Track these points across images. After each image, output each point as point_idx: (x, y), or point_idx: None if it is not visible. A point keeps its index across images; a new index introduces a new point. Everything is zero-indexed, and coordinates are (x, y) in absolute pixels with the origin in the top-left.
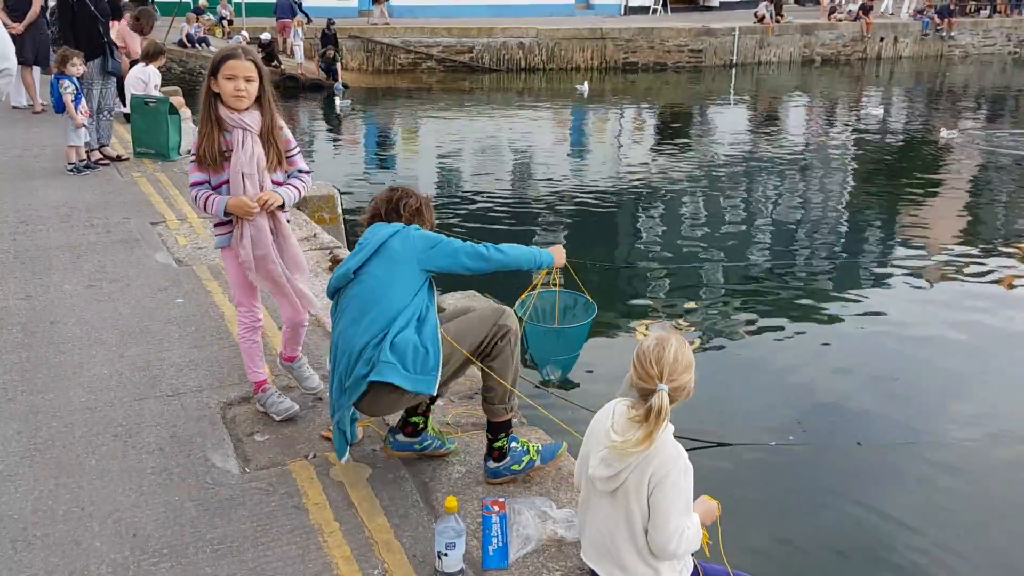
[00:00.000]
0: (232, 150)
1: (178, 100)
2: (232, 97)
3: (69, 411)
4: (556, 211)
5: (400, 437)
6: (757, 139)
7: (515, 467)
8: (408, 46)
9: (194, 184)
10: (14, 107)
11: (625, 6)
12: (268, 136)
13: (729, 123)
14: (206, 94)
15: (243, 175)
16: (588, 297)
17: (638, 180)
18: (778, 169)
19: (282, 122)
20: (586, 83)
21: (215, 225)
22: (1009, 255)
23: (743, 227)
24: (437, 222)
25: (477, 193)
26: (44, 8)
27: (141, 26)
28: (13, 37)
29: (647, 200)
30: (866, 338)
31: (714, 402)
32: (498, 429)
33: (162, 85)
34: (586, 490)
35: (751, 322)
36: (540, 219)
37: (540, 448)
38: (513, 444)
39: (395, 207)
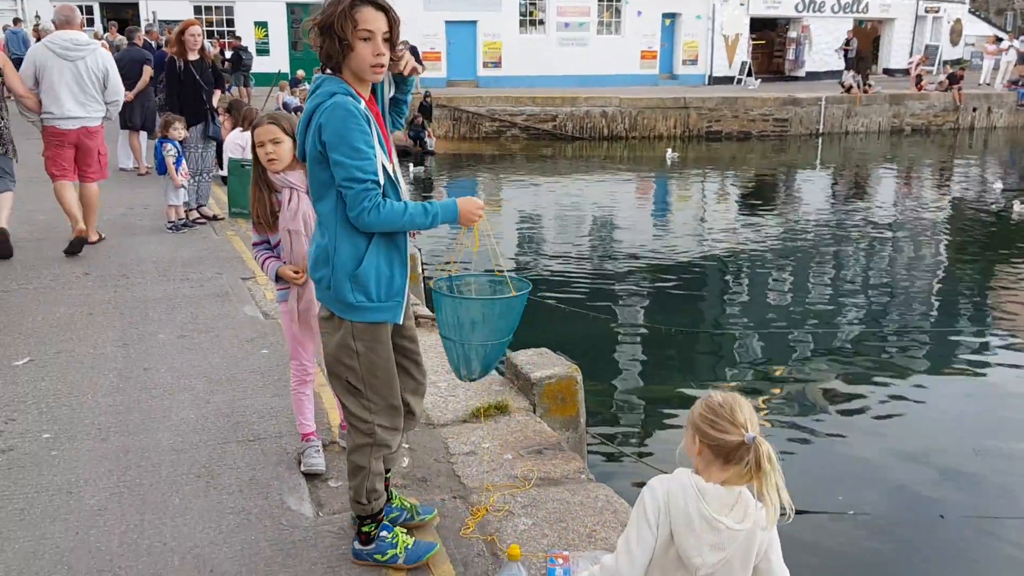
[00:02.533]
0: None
1: None
2: (266, 161)
3: (157, 452)
4: (638, 276)
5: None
6: (845, 207)
7: (377, 556)
8: (493, 114)
9: (254, 244)
10: (121, 169)
11: (709, 76)
12: None
13: (816, 192)
14: (255, 159)
15: (290, 232)
16: (507, 279)
17: (723, 247)
18: (867, 238)
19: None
20: (670, 150)
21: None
22: None
23: (829, 295)
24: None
25: (556, 257)
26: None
27: (235, 120)
28: (124, 104)
29: (731, 267)
30: (953, 409)
31: (795, 468)
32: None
33: None
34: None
35: (836, 390)
36: (621, 284)
37: (409, 546)
38: (383, 533)
39: None
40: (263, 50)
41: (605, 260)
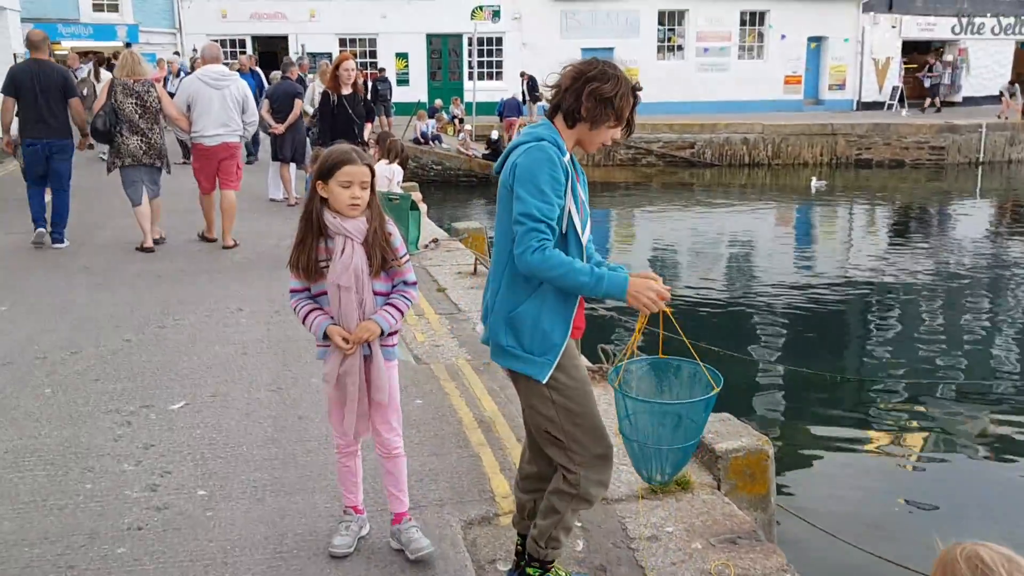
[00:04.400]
0: (330, 258)
1: (418, 196)
2: (348, 206)
3: (314, 516)
4: (776, 312)
5: None
6: (1004, 242)
7: None
8: (629, 141)
9: (293, 291)
10: (271, 200)
11: (858, 102)
12: (373, 244)
13: (974, 223)
14: (312, 198)
15: (339, 287)
16: (702, 367)
17: (871, 281)
18: None
19: (392, 228)
20: (815, 178)
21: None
22: None
23: (982, 337)
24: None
25: (691, 287)
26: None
27: (385, 153)
28: (275, 136)
29: (878, 304)
30: None
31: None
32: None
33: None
34: None
35: (994, 436)
36: (757, 320)
37: None
38: None
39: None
40: (403, 80)
41: (744, 294)
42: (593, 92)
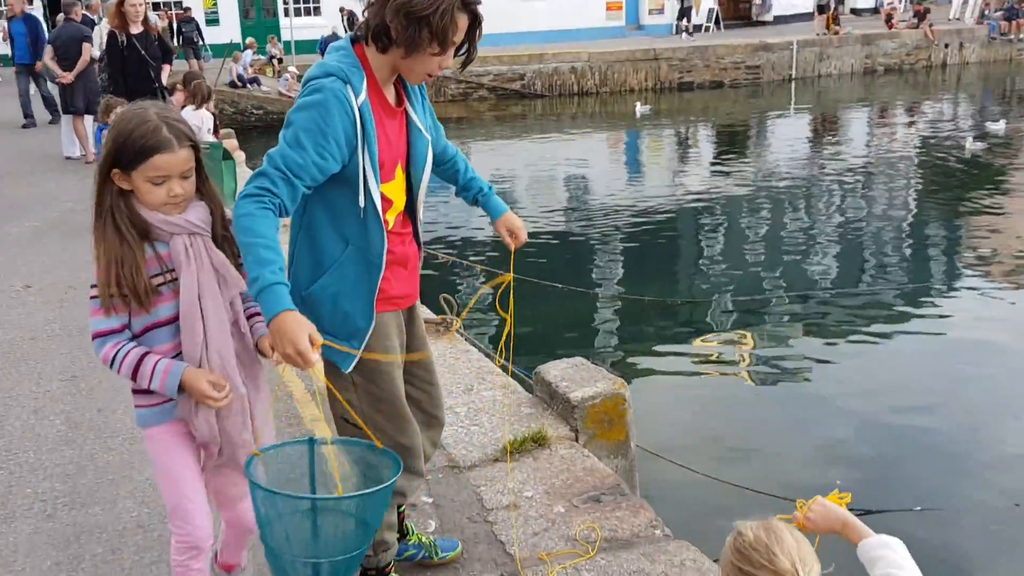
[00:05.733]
0: (167, 270)
1: (232, 144)
2: (164, 205)
3: (117, 532)
4: (612, 239)
5: None
6: (818, 153)
7: None
8: (458, 75)
9: (100, 336)
10: (67, 157)
11: (676, 26)
12: (224, 239)
13: (789, 137)
14: (102, 193)
15: (201, 304)
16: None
17: (698, 201)
18: (843, 184)
19: (228, 210)
20: (640, 104)
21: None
22: None
23: (806, 246)
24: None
25: (529, 220)
26: (93, 57)
27: (192, 98)
28: (64, 87)
29: (707, 223)
30: (941, 365)
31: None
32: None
33: (214, 129)
34: None
35: (820, 353)
36: (595, 248)
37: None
38: None
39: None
40: (213, 20)
41: (580, 223)
42: (402, 8)
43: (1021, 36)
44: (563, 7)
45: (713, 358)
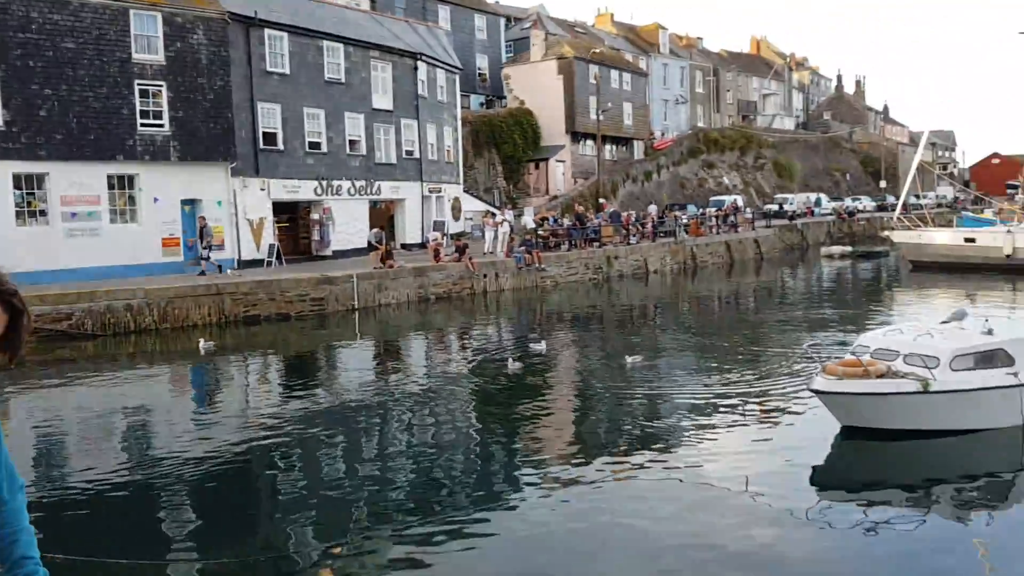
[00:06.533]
0: None
1: None
2: None
3: None
4: (179, 493)
5: None
6: (387, 378)
7: None
8: None
9: None
10: None
11: (238, 260)
12: None
13: (358, 365)
14: None
15: None
16: None
17: (269, 436)
18: (409, 405)
19: None
20: (203, 340)
21: None
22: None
23: (384, 458)
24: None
25: (86, 473)
26: None
27: None
28: None
29: (281, 458)
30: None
31: None
32: None
33: None
34: None
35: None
36: (161, 507)
37: None
38: None
39: None
40: None
41: (145, 476)
42: None
43: (540, 266)
44: (117, 243)
45: None
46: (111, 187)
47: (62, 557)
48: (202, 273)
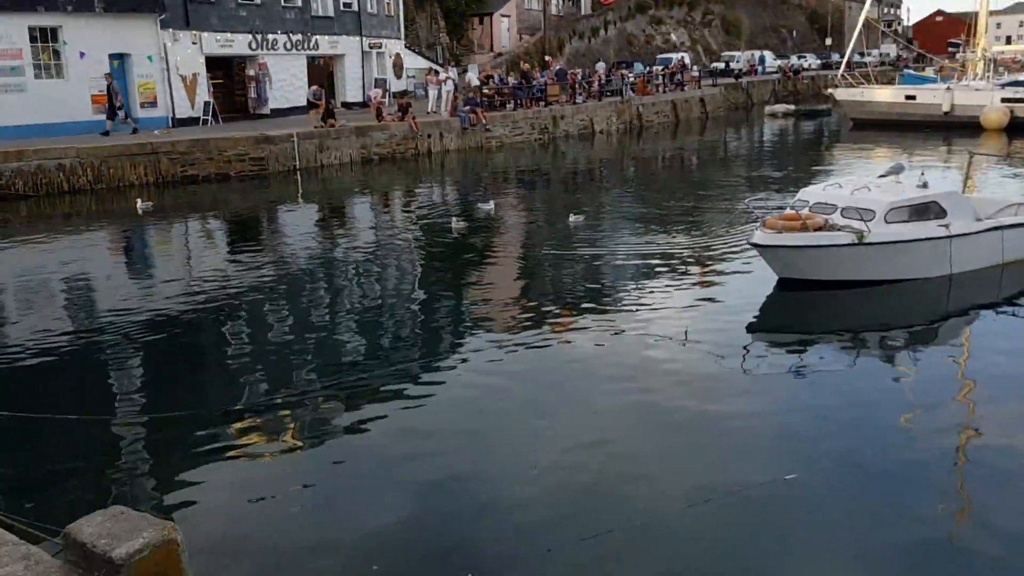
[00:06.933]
0: None
1: None
2: None
3: None
4: (125, 351)
5: None
6: (331, 239)
7: None
8: None
9: None
10: None
11: (172, 118)
12: None
13: (301, 226)
14: None
15: None
16: None
17: (215, 297)
18: (355, 266)
19: None
20: (140, 200)
21: None
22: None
23: (328, 331)
24: None
25: (28, 333)
26: None
27: None
28: None
29: (227, 318)
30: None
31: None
32: None
33: None
34: None
35: (359, 428)
36: (107, 365)
37: None
38: None
39: None
40: None
41: (84, 338)
42: None
43: (486, 125)
44: (44, 100)
45: (258, 458)
46: (33, 40)
47: (7, 414)
48: (135, 131)
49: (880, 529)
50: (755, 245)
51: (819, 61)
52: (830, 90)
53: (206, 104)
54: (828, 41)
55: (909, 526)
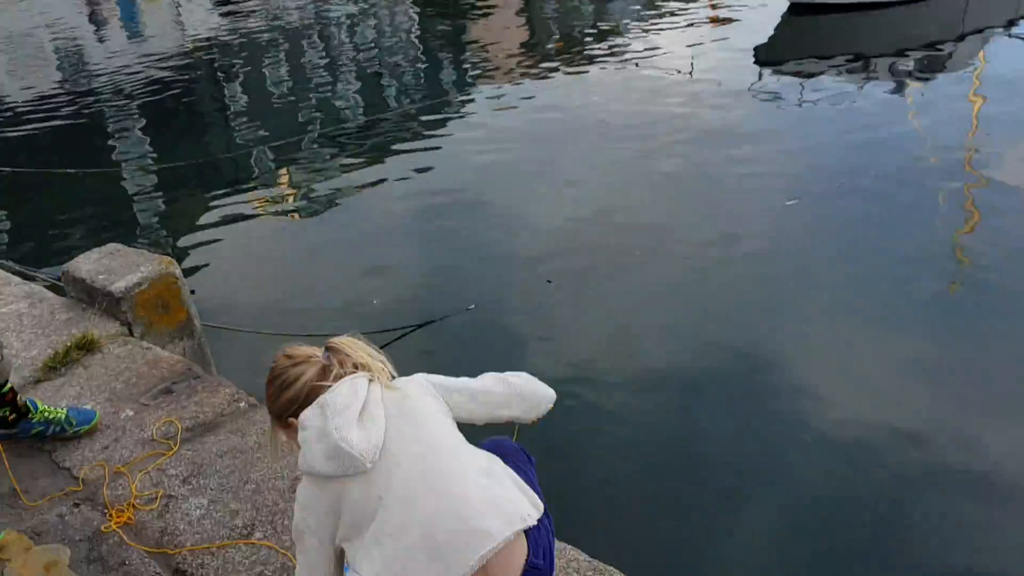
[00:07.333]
0: None
1: None
2: None
3: None
4: (126, 107)
5: None
6: None
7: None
8: None
9: None
10: None
11: None
12: None
13: None
14: None
15: None
16: None
17: (212, 45)
18: (348, 17)
19: None
20: None
21: None
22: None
23: (328, 81)
24: None
25: (23, 93)
26: None
27: None
28: None
29: (225, 60)
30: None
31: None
32: None
33: None
34: None
35: (363, 178)
36: (106, 119)
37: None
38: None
39: None
40: None
41: (80, 90)
42: None
43: None
44: None
45: (260, 210)
46: None
47: (9, 170)
48: None
49: (877, 260)
50: None
51: None
52: None
53: None
54: None
55: (914, 256)
